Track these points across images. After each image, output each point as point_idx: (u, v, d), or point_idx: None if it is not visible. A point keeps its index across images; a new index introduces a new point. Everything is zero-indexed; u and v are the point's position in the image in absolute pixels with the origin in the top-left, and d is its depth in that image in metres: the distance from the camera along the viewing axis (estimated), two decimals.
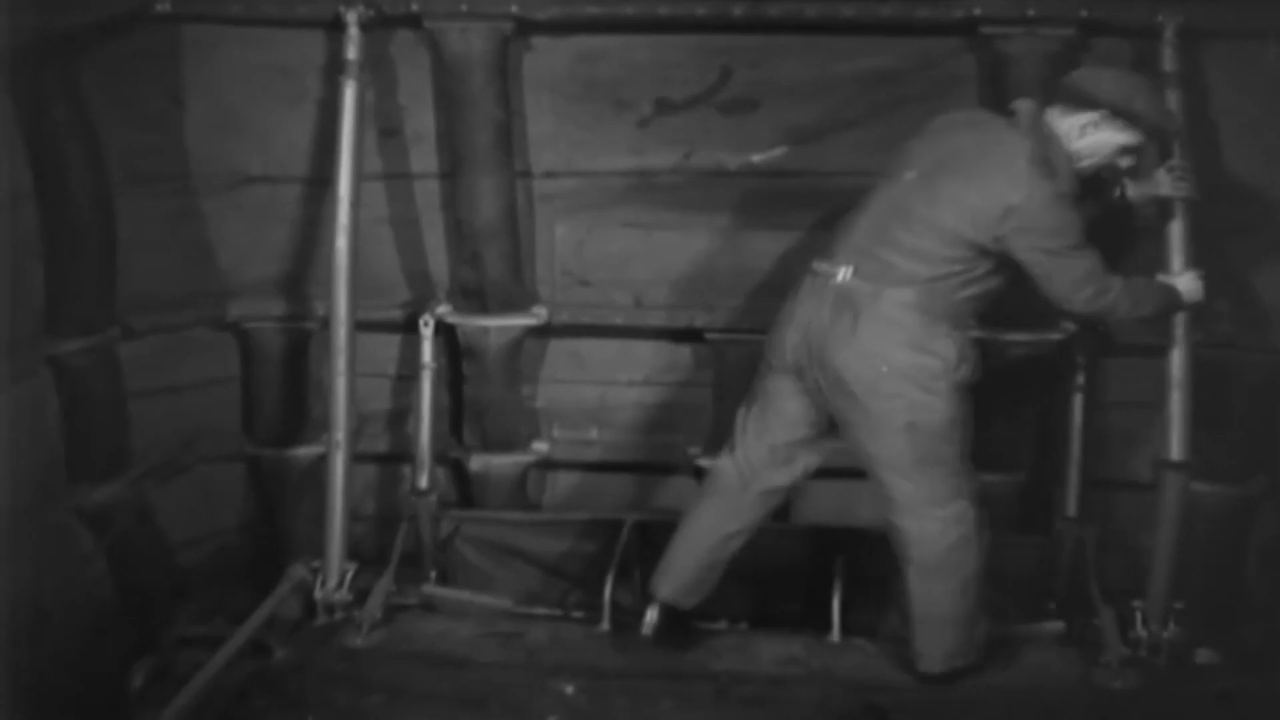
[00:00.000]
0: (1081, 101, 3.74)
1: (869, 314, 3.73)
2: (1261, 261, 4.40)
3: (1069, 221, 3.67)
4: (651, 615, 4.28)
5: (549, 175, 4.67)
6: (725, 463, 4.18)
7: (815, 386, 3.89)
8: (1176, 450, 4.19)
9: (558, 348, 5.00)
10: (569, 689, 3.97)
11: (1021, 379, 4.69)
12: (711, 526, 4.19)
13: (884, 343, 3.74)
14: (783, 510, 5.06)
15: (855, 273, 3.76)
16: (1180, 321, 4.13)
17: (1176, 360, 4.16)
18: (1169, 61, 4.10)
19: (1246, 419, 4.56)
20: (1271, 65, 4.15)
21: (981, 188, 3.65)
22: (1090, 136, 3.75)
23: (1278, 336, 4.43)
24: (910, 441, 3.80)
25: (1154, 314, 4.00)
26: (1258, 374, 4.50)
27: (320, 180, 4.55)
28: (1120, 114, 3.71)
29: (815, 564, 4.74)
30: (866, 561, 4.78)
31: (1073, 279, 3.72)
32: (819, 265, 3.87)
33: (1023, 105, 3.80)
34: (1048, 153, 3.69)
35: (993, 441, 4.76)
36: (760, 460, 4.10)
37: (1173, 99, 4.07)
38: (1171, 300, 3.99)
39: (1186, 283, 4.01)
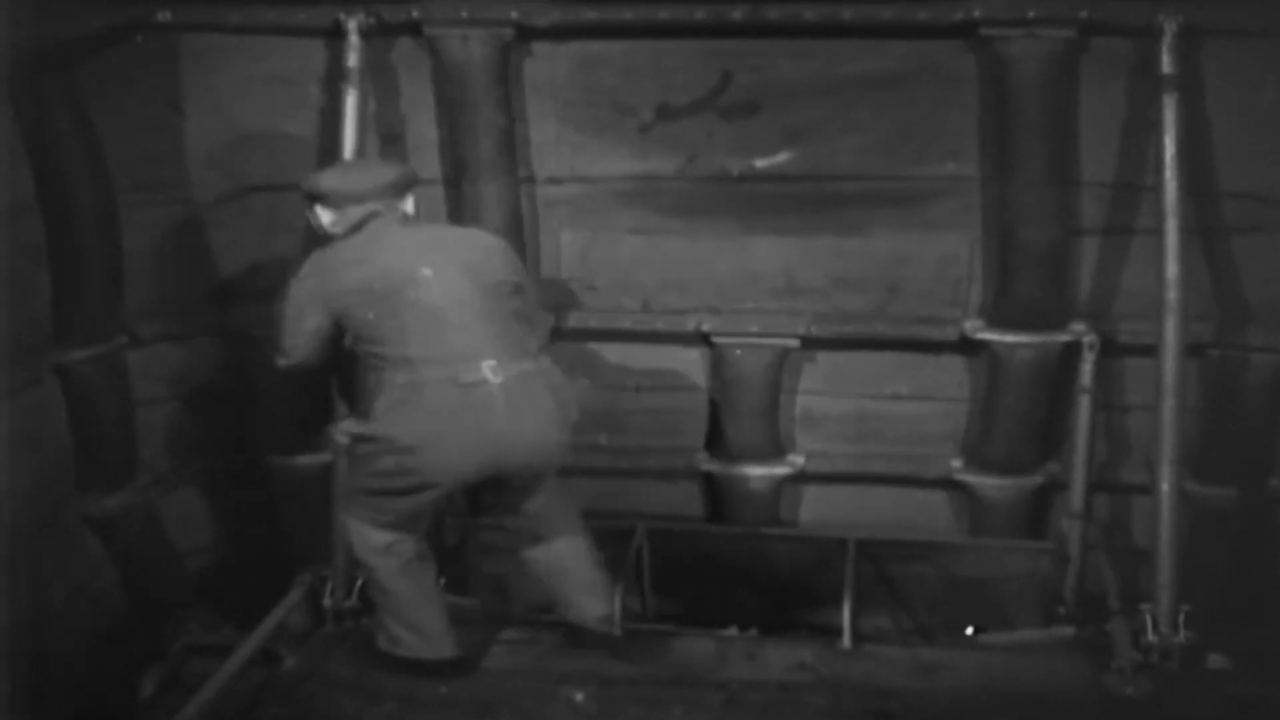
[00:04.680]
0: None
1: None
2: (1264, 261, 4.37)
3: None
4: None
5: (553, 181, 4.68)
6: None
7: None
8: (1169, 451, 4.17)
9: (565, 353, 4.98)
10: (579, 696, 3.96)
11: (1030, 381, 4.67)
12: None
13: None
14: (792, 517, 5.08)
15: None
16: (1172, 323, 4.14)
17: (1169, 360, 4.15)
18: (1168, 62, 4.08)
19: (1254, 419, 4.54)
20: (1272, 96, 4.14)
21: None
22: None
23: None
24: None
25: None
26: (1264, 374, 4.47)
27: None
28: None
29: (825, 571, 4.74)
30: (876, 568, 4.79)
31: None
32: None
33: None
34: None
35: (1004, 446, 4.78)
36: None
37: (1172, 99, 4.09)
38: None
39: None
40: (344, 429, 3.93)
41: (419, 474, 3.76)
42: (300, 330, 3.84)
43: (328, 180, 3.90)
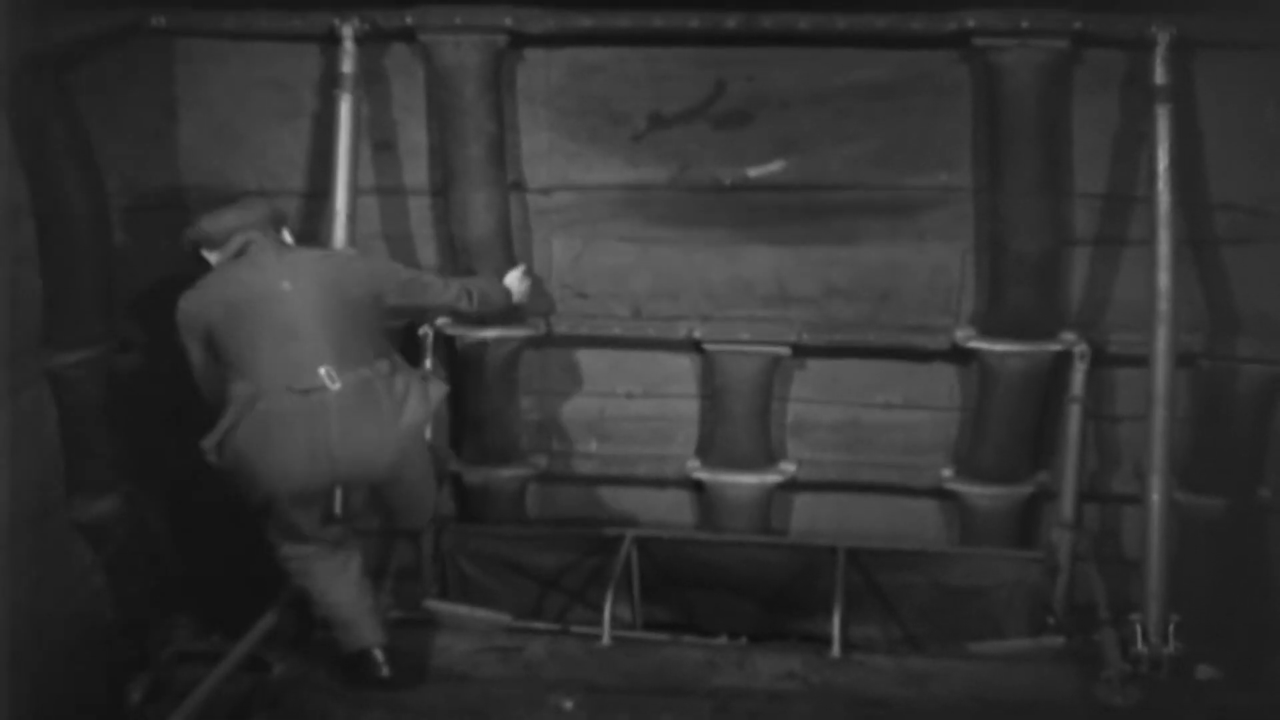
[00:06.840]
0: None
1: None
2: (1254, 272, 4.38)
3: None
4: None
5: (545, 189, 4.67)
6: None
7: None
8: (1159, 461, 4.19)
9: (556, 360, 4.99)
10: (568, 704, 3.96)
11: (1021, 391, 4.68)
12: None
13: None
14: (782, 525, 5.08)
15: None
16: (1162, 333, 4.16)
17: (1159, 370, 4.18)
18: (1161, 73, 4.10)
19: (1244, 430, 4.55)
20: (1264, 108, 4.16)
21: None
22: None
23: (1274, 347, 4.42)
24: None
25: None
26: (1254, 384, 4.48)
27: (316, 194, 4.56)
28: None
29: (815, 579, 4.73)
30: (866, 576, 4.79)
31: None
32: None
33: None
34: None
35: (994, 455, 4.79)
36: None
37: (1165, 111, 4.10)
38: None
39: (513, 281, 4.52)
40: (204, 446, 3.96)
41: (257, 485, 3.86)
42: (192, 365, 3.98)
43: (205, 224, 3.99)
